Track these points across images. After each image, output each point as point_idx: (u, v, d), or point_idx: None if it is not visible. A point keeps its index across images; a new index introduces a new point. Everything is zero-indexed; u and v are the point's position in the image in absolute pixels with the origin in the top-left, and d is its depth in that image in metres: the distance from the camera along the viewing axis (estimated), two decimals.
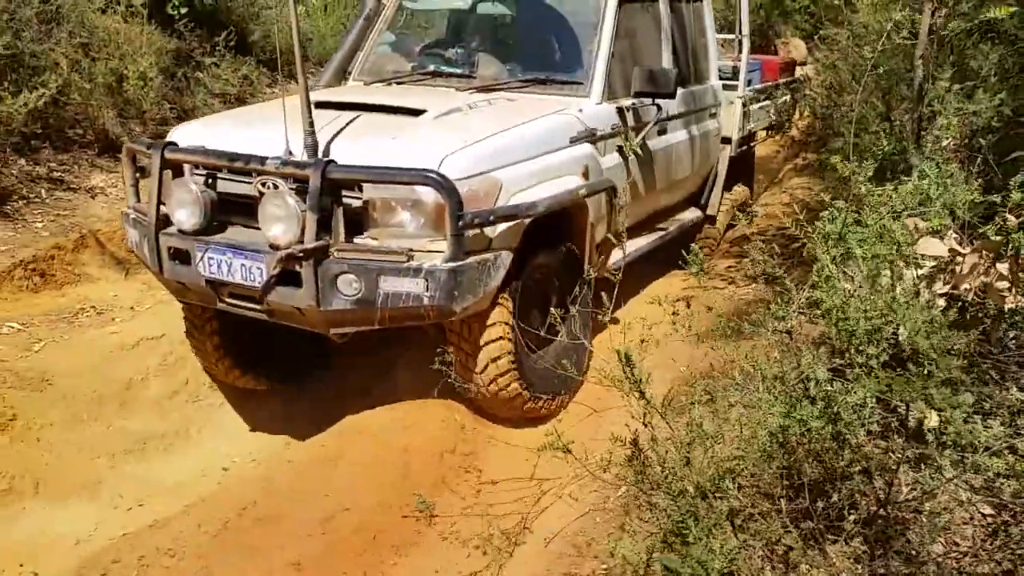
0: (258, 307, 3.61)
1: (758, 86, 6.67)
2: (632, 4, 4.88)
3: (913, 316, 2.17)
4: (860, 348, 2.19)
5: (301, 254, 3.34)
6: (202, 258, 3.62)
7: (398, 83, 4.89)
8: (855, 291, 2.35)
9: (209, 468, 4.16)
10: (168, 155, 3.71)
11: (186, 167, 3.84)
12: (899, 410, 2.27)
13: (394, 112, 4.07)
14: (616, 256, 4.74)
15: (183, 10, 7.54)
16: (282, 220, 3.41)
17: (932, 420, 2.03)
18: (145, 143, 3.86)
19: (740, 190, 6.62)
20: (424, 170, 3.33)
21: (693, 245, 5.81)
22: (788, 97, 7.38)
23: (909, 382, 2.09)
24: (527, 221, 3.66)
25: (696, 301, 4.01)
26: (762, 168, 8.26)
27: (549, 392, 4.01)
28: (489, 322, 3.66)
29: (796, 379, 2.19)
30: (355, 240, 3.48)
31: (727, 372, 2.70)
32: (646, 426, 2.40)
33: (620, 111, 4.62)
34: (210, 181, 3.82)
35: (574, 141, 4.18)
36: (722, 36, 6.95)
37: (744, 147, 6.50)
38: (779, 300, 2.59)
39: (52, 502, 3.65)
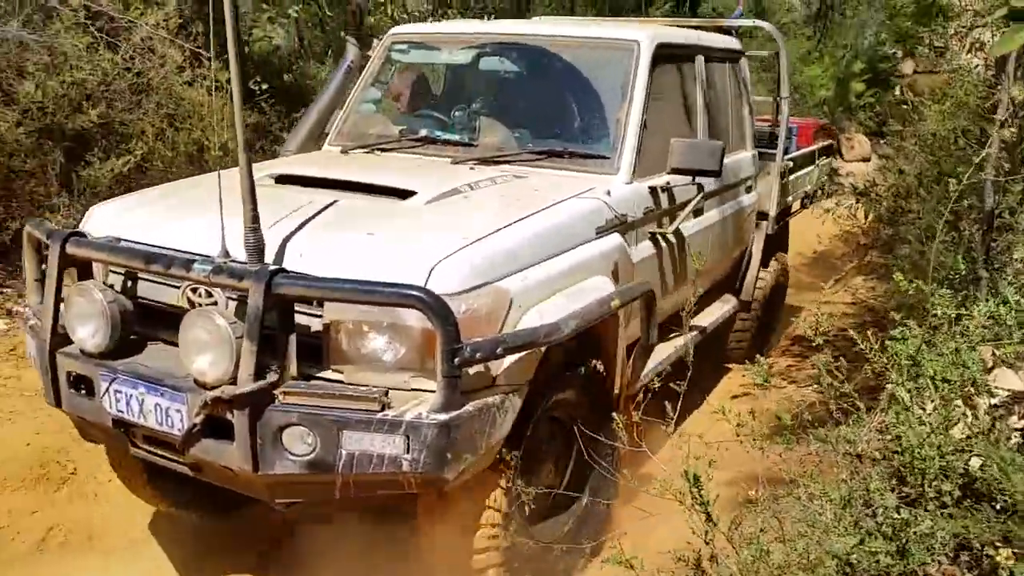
0: (180, 461, 2.64)
1: (796, 153, 5.79)
2: (666, 65, 3.99)
3: (990, 452, 2.13)
4: (933, 483, 2.14)
5: (232, 399, 2.37)
6: (107, 390, 2.65)
7: (382, 151, 3.96)
8: (927, 420, 2.28)
9: None
10: (70, 249, 2.76)
11: (96, 266, 2.89)
12: (973, 546, 2.11)
13: (376, 193, 3.14)
14: (649, 367, 3.80)
15: (264, 86, 7.72)
16: (209, 349, 2.44)
17: (1004, 557, 1.94)
18: (46, 230, 2.89)
19: (778, 258, 5.71)
20: (406, 286, 2.38)
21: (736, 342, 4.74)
22: (824, 164, 6.52)
23: (986, 522, 2.04)
24: (544, 348, 2.71)
25: (755, 403, 3.67)
26: (826, 263, 7.92)
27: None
28: (484, 491, 2.69)
29: (863, 505, 2.17)
30: (314, 378, 2.52)
31: (791, 489, 2.52)
32: (707, 543, 2.26)
33: (653, 191, 3.70)
34: (129, 284, 2.88)
35: (601, 232, 3.25)
36: (759, 98, 6.09)
37: (781, 222, 5.58)
38: (847, 419, 2.52)
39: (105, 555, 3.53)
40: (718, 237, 4.57)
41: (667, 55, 3.96)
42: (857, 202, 7.85)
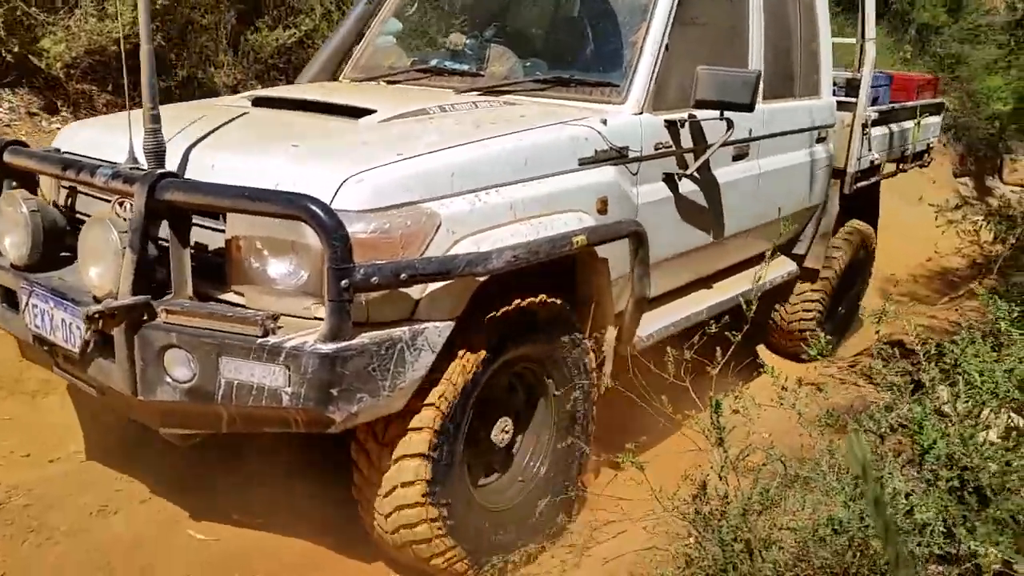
0: (88, 382, 2.44)
1: (885, 106, 5.01)
2: None
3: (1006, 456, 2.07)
4: (932, 468, 2.12)
5: (110, 313, 2.13)
6: (27, 304, 2.48)
7: (389, 82, 3.64)
8: (951, 413, 2.30)
9: None
10: (7, 159, 2.60)
11: (43, 179, 2.74)
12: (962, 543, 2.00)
13: (337, 113, 2.82)
14: (656, 325, 3.32)
15: None
16: (100, 260, 2.22)
17: (992, 558, 1.88)
18: None
19: (857, 227, 4.99)
20: (294, 195, 2.05)
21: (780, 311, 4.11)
22: (932, 121, 5.67)
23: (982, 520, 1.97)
24: (479, 281, 2.31)
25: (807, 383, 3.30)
26: (944, 280, 7.33)
27: (499, 550, 2.63)
28: (409, 426, 2.32)
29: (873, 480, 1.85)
30: (214, 299, 2.25)
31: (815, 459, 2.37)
32: (721, 479, 2.26)
33: (671, 125, 3.18)
34: (69, 199, 2.71)
35: (586, 163, 2.79)
36: (840, 40, 5.33)
37: (863, 182, 4.86)
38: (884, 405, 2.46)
39: None
40: (772, 189, 3.97)
41: None
42: (986, 221, 7.10)
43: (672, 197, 3.25)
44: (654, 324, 3.35)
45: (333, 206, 2.10)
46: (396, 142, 2.44)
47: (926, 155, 5.92)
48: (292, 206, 1.99)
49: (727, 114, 3.21)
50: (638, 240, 2.77)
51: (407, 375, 2.17)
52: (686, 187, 3.31)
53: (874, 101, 4.91)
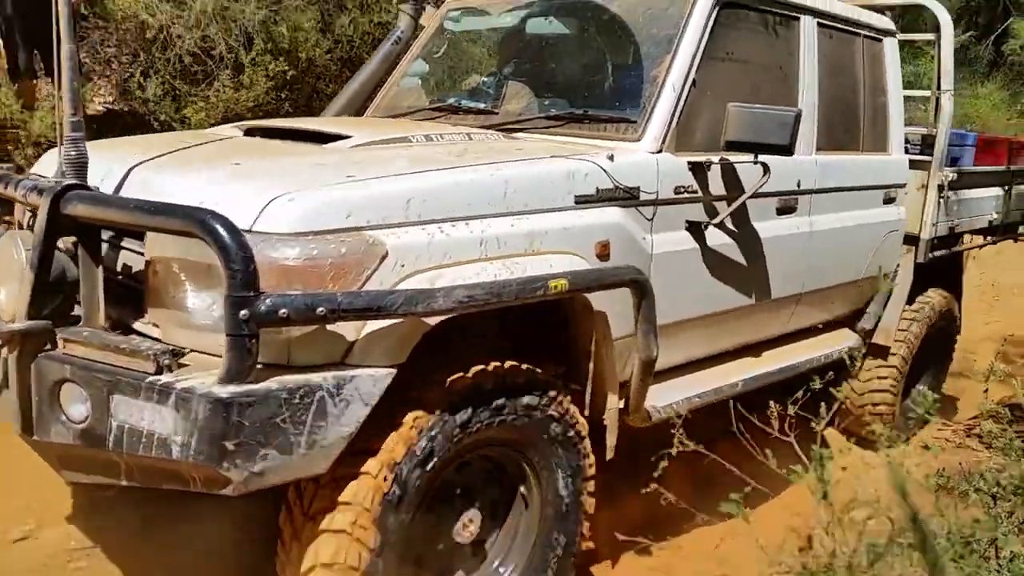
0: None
1: (969, 168, 4.45)
2: (743, 11, 3.08)
3: None
4: None
5: (7, 338, 1.87)
6: None
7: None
8: None
9: None
10: None
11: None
12: None
13: (314, 139, 2.57)
14: (676, 395, 2.87)
15: None
16: (7, 278, 1.98)
17: None
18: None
19: (936, 296, 4.39)
20: (195, 208, 1.77)
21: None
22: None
23: None
24: (429, 324, 1.96)
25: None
26: None
27: None
28: (338, 498, 1.95)
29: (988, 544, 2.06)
30: (130, 330, 1.97)
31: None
32: (828, 533, 2.10)
33: (696, 168, 2.79)
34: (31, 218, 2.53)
35: (585, 201, 2.43)
36: (914, 92, 4.82)
37: (942, 252, 4.29)
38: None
39: None
40: (825, 250, 3.49)
41: (743, 3, 3.05)
42: None
43: (698, 249, 2.84)
44: (674, 394, 2.90)
45: (256, 227, 1.82)
46: (352, 165, 2.14)
47: (1022, 226, 5.27)
48: (187, 220, 1.69)
49: (764, 158, 2.81)
50: (640, 290, 2.36)
51: (330, 431, 1.81)
52: (715, 239, 2.89)
53: (954, 161, 4.38)
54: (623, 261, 2.46)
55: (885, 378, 4.14)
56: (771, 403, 2.36)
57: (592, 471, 2.49)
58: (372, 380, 1.86)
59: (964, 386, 4.97)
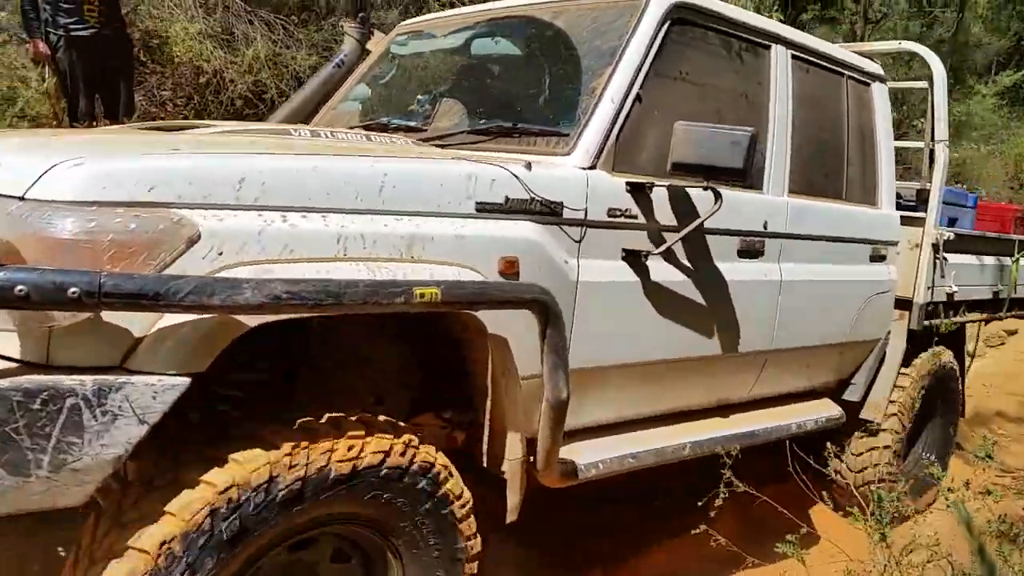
0: None
1: (966, 231, 4.03)
2: (700, 31, 2.75)
3: None
4: None
5: None
6: None
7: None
8: None
9: None
10: None
11: None
12: None
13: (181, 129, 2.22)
14: (609, 452, 2.42)
15: None
16: None
17: None
18: None
19: (933, 357, 3.91)
20: None
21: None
22: None
23: None
24: (242, 326, 1.55)
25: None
26: None
27: None
28: (129, 541, 1.50)
29: None
30: None
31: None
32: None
33: (637, 190, 2.41)
34: None
35: (488, 209, 2.04)
36: (905, 144, 4.46)
37: (937, 319, 3.83)
38: None
39: None
40: (798, 305, 3.06)
41: (700, 22, 2.73)
42: None
43: (638, 283, 2.43)
44: (607, 451, 2.44)
45: (31, 194, 1.45)
46: (192, 144, 1.78)
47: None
48: None
49: (722, 190, 2.43)
50: (545, 313, 1.94)
51: (85, 451, 1.38)
52: (661, 274, 2.48)
53: (952, 223, 3.98)
54: (546, 282, 2.05)
55: (879, 454, 3.64)
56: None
57: (476, 550, 2.01)
58: (151, 391, 1.43)
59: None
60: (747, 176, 2.36)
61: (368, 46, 3.60)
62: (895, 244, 3.58)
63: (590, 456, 2.40)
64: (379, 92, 3.45)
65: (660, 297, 2.48)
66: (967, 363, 4.26)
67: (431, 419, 2.21)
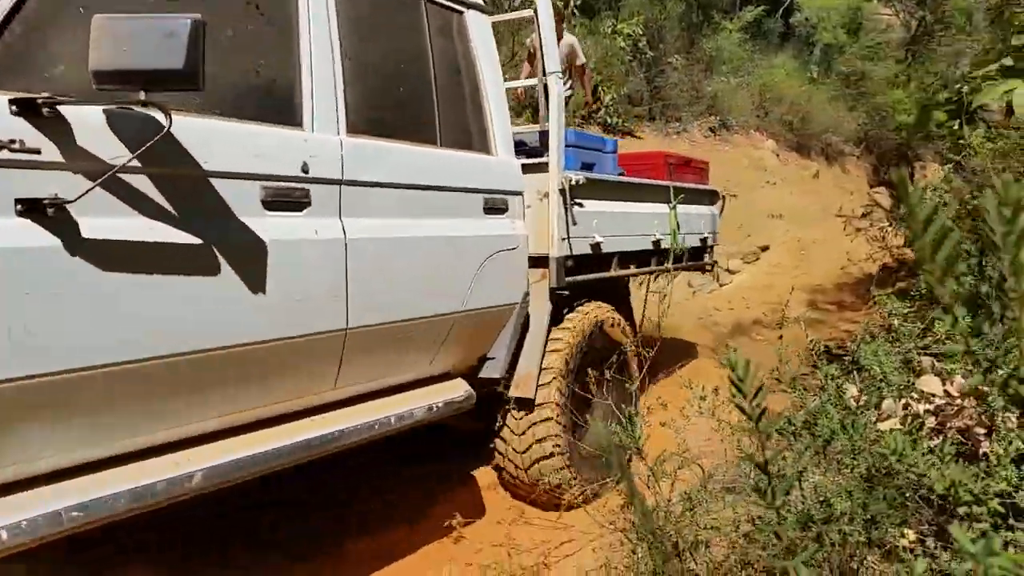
0: None
1: (599, 175, 3.63)
2: None
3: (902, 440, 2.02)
4: (847, 461, 2.13)
5: None
6: None
7: None
8: (851, 405, 2.30)
9: None
10: None
11: None
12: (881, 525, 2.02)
13: None
14: (31, 511, 1.60)
15: None
16: None
17: (909, 540, 1.94)
18: None
19: (583, 314, 3.44)
20: None
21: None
22: (702, 211, 4.40)
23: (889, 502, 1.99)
24: None
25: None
26: (866, 284, 6.96)
27: None
28: None
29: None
30: None
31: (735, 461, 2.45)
32: (649, 487, 2.24)
33: (28, 109, 1.64)
34: None
35: None
36: (520, 83, 4.07)
37: (586, 276, 3.40)
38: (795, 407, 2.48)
39: None
40: (382, 271, 2.43)
41: None
42: (891, 225, 7.36)
43: (52, 249, 1.65)
44: (38, 507, 1.63)
45: None
46: None
47: (707, 255, 4.61)
48: None
49: (153, 97, 1.72)
50: None
51: None
52: (96, 231, 1.72)
53: (589, 168, 3.59)
54: None
55: (547, 436, 3.11)
56: None
57: None
58: None
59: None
60: (198, 80, 1.68)
61: None
62: (519, 194, 3.09)
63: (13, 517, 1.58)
64: None
65: (96, 267, 1.72)
66: (662, 307, 3.86)
67: None
